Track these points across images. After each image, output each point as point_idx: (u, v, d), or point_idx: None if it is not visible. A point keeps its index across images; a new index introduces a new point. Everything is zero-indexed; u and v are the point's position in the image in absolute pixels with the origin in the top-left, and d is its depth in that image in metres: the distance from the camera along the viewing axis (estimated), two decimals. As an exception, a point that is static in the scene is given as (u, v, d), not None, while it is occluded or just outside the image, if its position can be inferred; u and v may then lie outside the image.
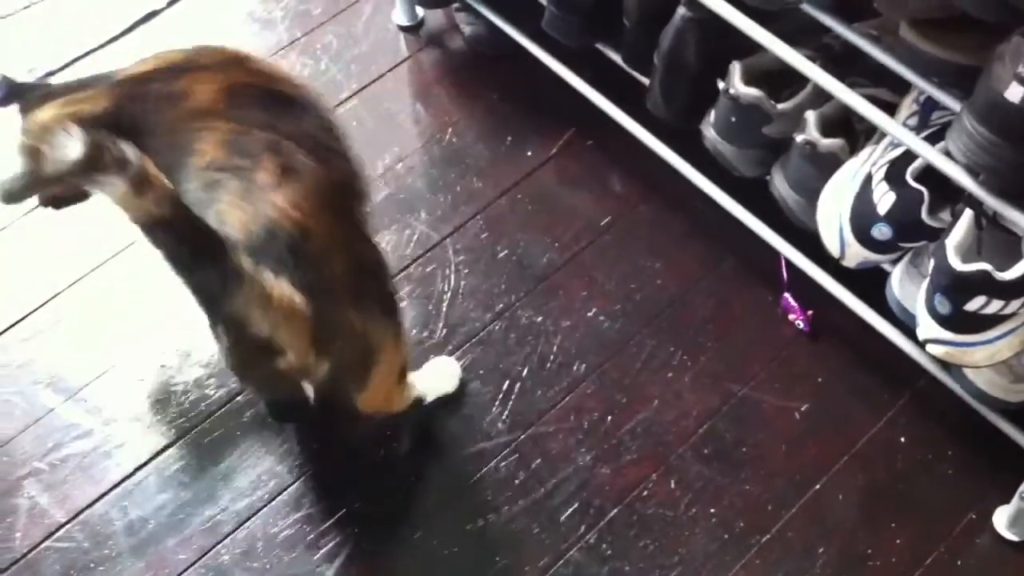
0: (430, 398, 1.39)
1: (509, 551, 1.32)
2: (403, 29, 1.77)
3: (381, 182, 1.60)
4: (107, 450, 1.39)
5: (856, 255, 1.30)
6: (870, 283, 1.36)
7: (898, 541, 1.33)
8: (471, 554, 1.32)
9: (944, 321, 1.19)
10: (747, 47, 1.30)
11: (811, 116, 1.32)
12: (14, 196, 1.10)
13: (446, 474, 1.37)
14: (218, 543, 1.32)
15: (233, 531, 1.33)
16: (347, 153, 1.22)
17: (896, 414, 1.41)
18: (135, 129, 1.15)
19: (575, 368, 1.45)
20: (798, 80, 1.33)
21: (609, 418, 1.41)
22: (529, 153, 1.64)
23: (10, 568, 1.30)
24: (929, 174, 1.20)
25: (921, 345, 1.25)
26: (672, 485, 1.36)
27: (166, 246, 1.07)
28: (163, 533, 1.33)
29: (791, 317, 1.48)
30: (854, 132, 1.34)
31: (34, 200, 1.29)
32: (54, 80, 1.42)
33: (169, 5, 1.79)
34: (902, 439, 1.39)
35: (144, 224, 1.05)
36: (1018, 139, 1.03)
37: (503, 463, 1.38)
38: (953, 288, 1.16)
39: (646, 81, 1.50)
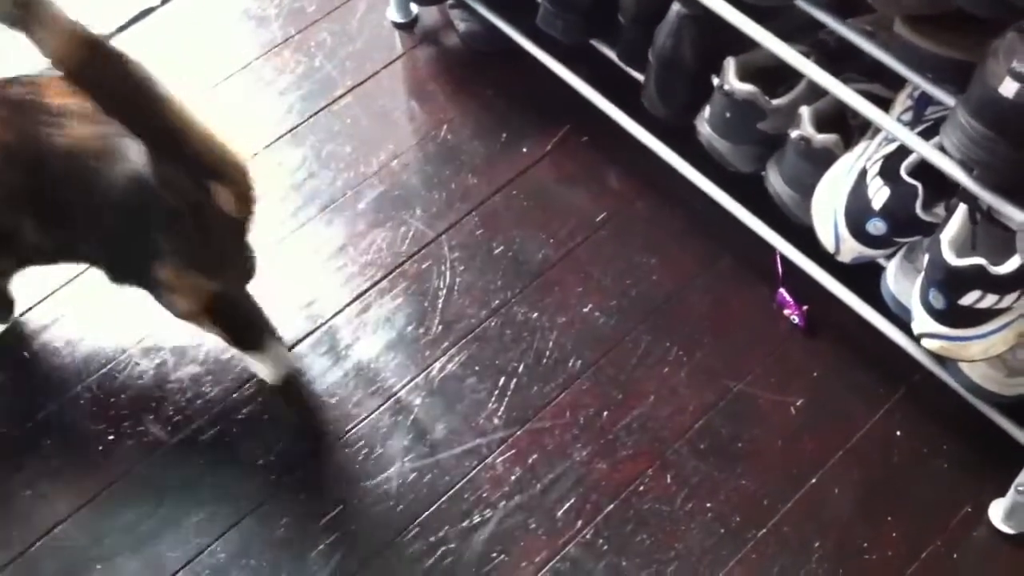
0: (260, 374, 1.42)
1: (506, 547, 1.32)
2: (397, 26, 1.77)
3: (376, 179, 1.60)
4: (103, 448, 1.39)
5: (851, 250, 1.30)
6: (865, 278, 1.36)
7: (894, 535, 1.33)
8: (468, 550, 1.32)
9: (939, 316, 1.19)
10: (742, 43, 1.30)
11: (806, 112, 1.32)
12: None
13: (442, 470, 1.37)
14: (214, 541, 1.32)
15: (229, 529, 1.33)
16: None
17: (892, 408, 1.41)
18: None
19: (571, 364, 1.45)
20: (793, 76, 1.33)
21: (605, 414, 1.41)
22: (524, 150, 1.64)
23: (8, 566, 1.30)
24: (924, 169, 1.20)
25: (916, 340, 1.26)
26: (668, 480, 1.37)
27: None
28: (159, 531, 1.33)
29: (786, 312, 1.48)
30: (849, 128, 1.34)
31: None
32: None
33: (164, 3, 1.79)
34: (898, 433, 1.40)
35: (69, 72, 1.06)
36: (1012, 134, 1.03)
37: (499, 459, 1.38)
38: (948, 283, 1.17)
39: (642, 78, 1.50)
